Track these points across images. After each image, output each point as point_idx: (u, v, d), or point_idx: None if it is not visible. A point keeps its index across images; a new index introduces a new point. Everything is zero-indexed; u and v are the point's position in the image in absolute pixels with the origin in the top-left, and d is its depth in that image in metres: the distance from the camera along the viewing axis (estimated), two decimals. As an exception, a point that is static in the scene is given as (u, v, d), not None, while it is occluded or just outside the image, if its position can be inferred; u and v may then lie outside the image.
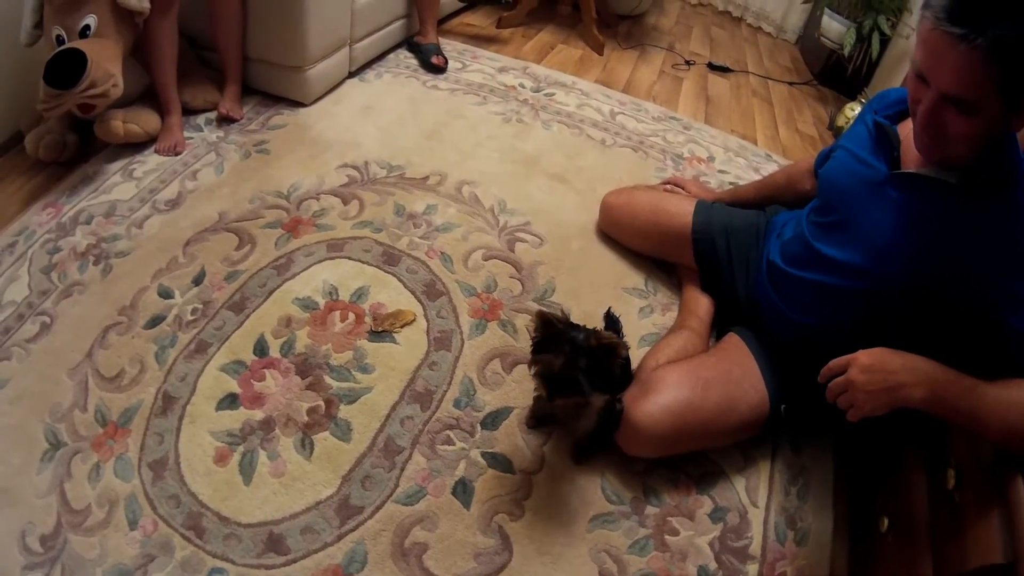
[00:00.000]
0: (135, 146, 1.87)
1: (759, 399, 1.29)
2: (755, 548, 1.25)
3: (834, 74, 3.38)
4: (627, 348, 1.13)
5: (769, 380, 1.30)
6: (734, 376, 1.30)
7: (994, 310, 1.02)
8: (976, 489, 0.96)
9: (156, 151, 1.87)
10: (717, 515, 1.29)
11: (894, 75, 2.95)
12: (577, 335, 1.06)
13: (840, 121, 2.92)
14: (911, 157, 1.11)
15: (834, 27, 3.24)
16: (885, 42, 3.00)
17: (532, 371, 1.11)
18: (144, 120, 1.84)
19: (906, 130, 1.14)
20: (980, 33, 0.84)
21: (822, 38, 3.32)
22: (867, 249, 1.16)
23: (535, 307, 1.60)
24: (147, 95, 1.90)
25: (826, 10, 3.31)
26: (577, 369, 1.05)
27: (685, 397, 1.24)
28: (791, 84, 3.45)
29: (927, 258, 1.08)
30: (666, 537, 1.23)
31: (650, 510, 1.27)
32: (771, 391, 1.30)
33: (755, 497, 1.33)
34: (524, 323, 1.57)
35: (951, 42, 0.87)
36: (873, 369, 1.01)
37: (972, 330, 1.06)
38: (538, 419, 1.36)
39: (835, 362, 1.06)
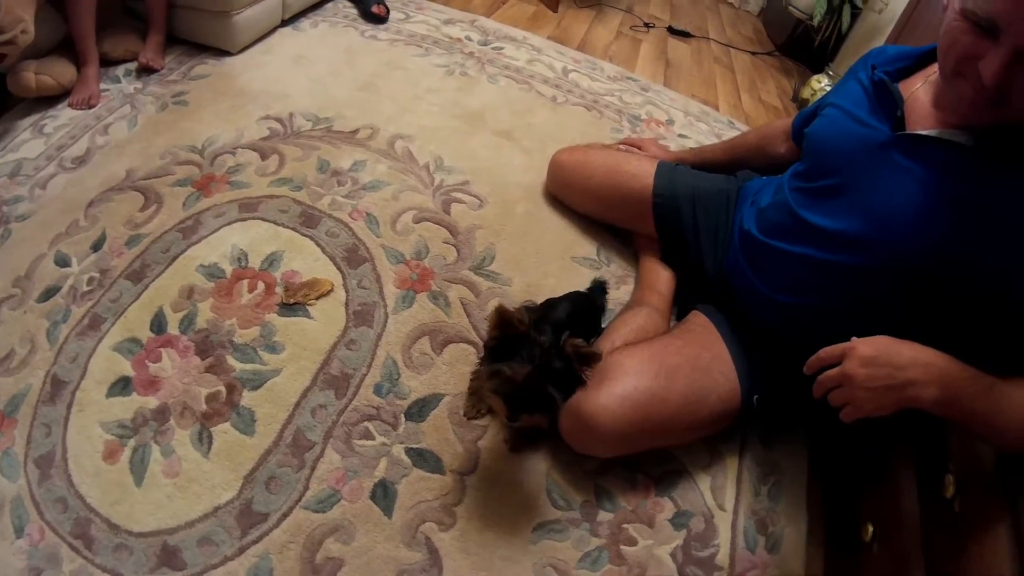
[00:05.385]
0: (50, 100, 1.77)
1: (730, 389, 1.16)
2: (723, 558, 1.14)
3: (799, 46, 3.35)
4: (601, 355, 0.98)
5: (741, 367, 1.17)
6: (702, 362, 1.15)
7: (1019, 303, 0.90)
8: (979, 498, 0.87)
9: (69, 104, 1.78)
10: (680, 521, 1.17)
11: (862, 49, 2.90)
12: (545, 339, 0.94)
13: (805, 93, 2.90)
14: (917, 118, 1.01)
15: (804, -4, 3.16)
16: (856, 15, 2.95)
17: (488, 385, 0.95)
18: (58, 71, 1.74)
19: (909, 89, 1.04)
20: None
21: (790, 7, 3.30)
22: (868, 217, 1.01)
23: (470, 277, 1.49)
24: (65, 45, 1.80)
25: (797, -21, 3.27)
26: (547, 381, 0.91)
27: (647, 386, 1.09)
28: (753, 54, 3.42)
29: (940, 232, 0.94)
30: (622, 547, 1.11)
31: (603, 516, 1.14)
32: (743, 379, 1.17)
33: (722, 499, 1.21)
34: (458, 295, 1.45)
35: None
36: (877, 362, 0.87)
37: (986, 320, 0.94)
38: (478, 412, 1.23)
39: (827, 351, 0.93)
